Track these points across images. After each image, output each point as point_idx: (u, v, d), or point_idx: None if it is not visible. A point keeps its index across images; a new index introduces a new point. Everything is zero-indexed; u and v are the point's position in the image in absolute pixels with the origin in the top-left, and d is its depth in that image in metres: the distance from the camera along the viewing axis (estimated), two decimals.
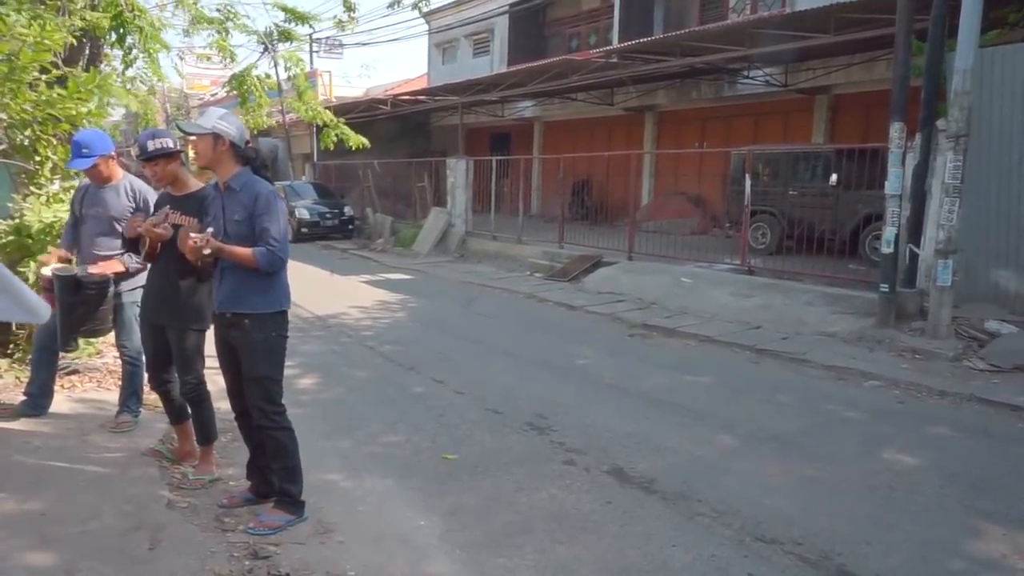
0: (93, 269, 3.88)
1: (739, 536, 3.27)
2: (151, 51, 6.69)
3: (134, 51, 6.63)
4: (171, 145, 3.47)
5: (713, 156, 14.44)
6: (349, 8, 11.12)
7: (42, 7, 5.55)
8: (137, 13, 6.31)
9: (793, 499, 3.68)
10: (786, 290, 8.62)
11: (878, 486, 3.86)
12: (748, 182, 9.75)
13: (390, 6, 14.76)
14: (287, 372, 3.28)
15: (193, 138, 3.11)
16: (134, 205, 4.10)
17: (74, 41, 5.93)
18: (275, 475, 3.28)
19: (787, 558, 3.08)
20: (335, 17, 11.12)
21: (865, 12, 8.94)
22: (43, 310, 1.50)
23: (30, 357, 4.56)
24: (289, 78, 12.15)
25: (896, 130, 7.22)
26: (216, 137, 3.06)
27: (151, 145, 3.45)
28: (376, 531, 3.27)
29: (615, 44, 15.27)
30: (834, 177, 10.25)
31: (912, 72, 7.46)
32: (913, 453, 4.36)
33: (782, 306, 8.22)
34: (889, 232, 7.32)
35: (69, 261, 4.11)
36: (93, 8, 6.18)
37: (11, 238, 4.84)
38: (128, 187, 4.15)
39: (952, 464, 4.18)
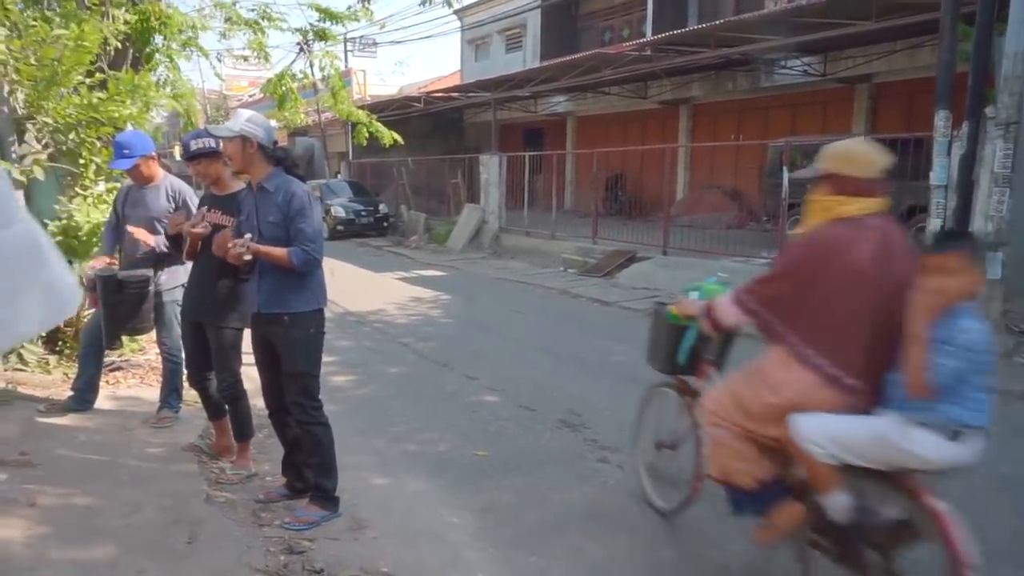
0: (131, 230, 3.96)
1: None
2: (174, 55, 6.82)
3: (155, 56, 6.77)
4: (213, 145, 3.53)
5: (749, 149, 14.18)
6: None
7: (87, 12, 5.71)
8: (164, 20, 6.44)
9: None
10: None
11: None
12: (786, 174, 9.54)
13: (422, 3, 14.82)
14: (323, 369, 3.31)
15: (223, 141, 3.16)
16: (174, 205, 4.18)
17: (118, 44, 6.09)
18: (311, 470, 3.32)
19: None
20: (350, 8, 11.18)
21: None
22: (71, 303, 1.44)
23: (77, 354, 4.69)
24: (324, 77, 12.29)
25: (941, 118, 6.98)
26: (244, 139, 3.08)
27: (193, 145, 3.52)
28: (409, 528, 3.28)
29: (649, 36, 15.10)
30: None
31: (958, 58, 7.20)
32: None
33: None
34: (934, 224, 7.08)
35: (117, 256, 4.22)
36: (133, 9, 6.33)
37: (59, 239, 4.98)
38: (169, 188, 4.24)
39: (1004, 465, 4.02)
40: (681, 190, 16.79)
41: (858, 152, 2.57)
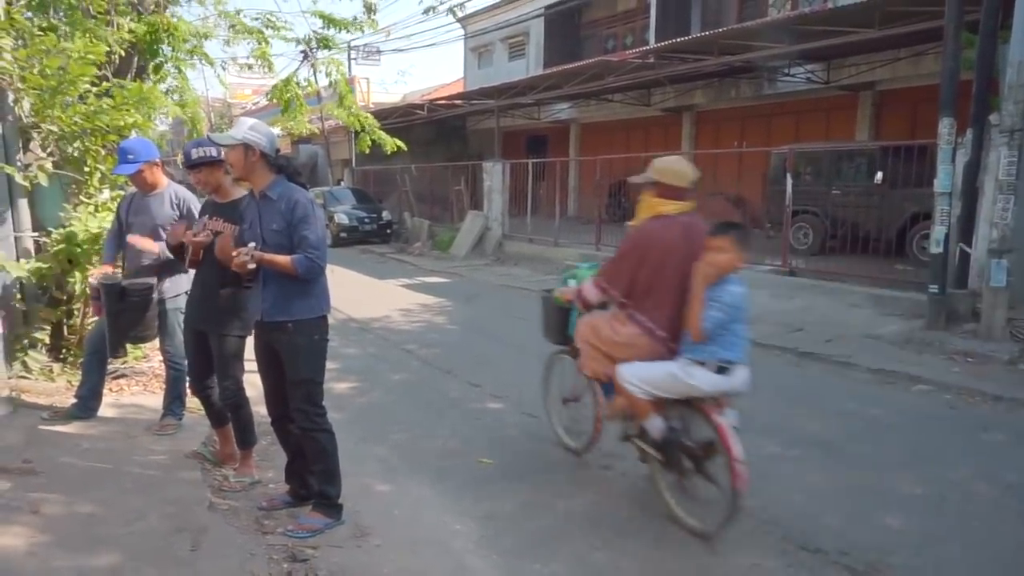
0: (132, 239, 3.98)
1: (782, 545, 3.18)
2: (181, 65, 6.87)
3: (166, 66, 6.82)
4: (214, 154, 3.54)
5: (753, 156, 14.18)
6: (369, 10, 11.27)
7: (92, 20, 5.75)
8: (172, 30, 6.49)
9: (839, 508, 3.56)
10: (829, 291, 8.41)
11: (929, 496, 3.71)
12: (789, 181, 9.54)
13: (426, 11, 14.90)
14: (326, 376, 3.32)
15: (225, 149, 3.16)
16: (178, 213, 4.19)
17: (123, 53, 6.13)
18: (314, 477, 3.31)
19: (833, 568, 2.99)
20: (355, 18, 11.23)
21: (911, 4, 8.68)
22: None
23: (81, 361, 4.70)
24: (330, 84, 12.33)
25: (946, 126, 6.98)
26: (247, 147, 3.08)
27: (195, 153, 3.53)
28: (413, 535, 3.28)
29: (652, 44, 15.13)
30: (879, 175, 9.96)
31: (962, 65, 7.20)
32: (966, 461, 4.19)
33: (825, 308, 8.02)
34: (939, 231, 7.08)
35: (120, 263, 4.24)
36: (139, 20, 6.38)
37: (62, 247, 5.00)
38: (173, 195, 4.25)
39: (1009, 473, 4.00)
40: None
41: (676, 168, 3.38)
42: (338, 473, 3.30)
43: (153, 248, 4.05)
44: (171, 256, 3.97)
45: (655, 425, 3.31)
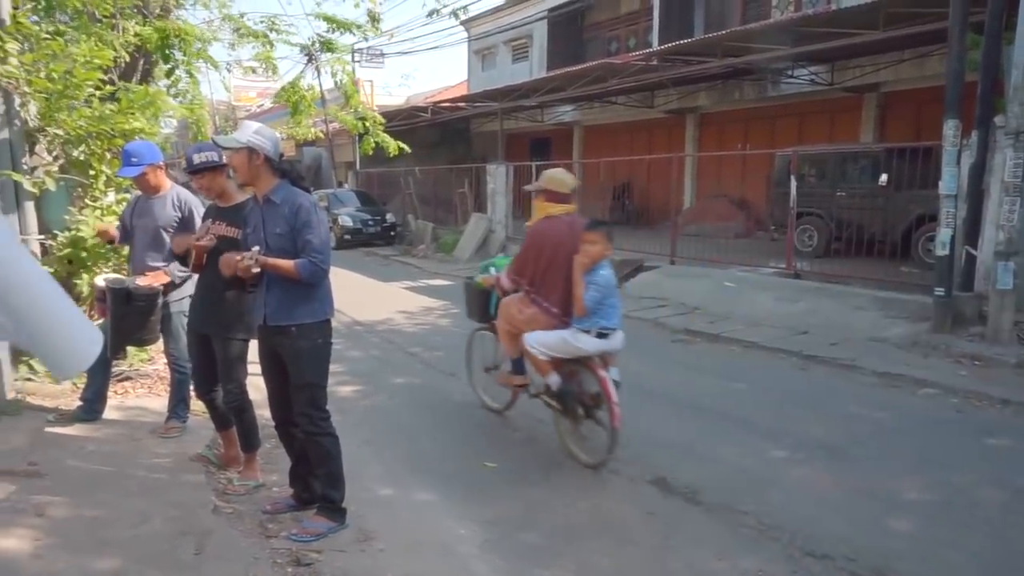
0: (141, 281, 3.98)
1: (788, 551, 3.16)
2: (192, 70, 6.90)
3: (177, 70, 6.85)
4: (216, 159, 3.54)
5: (757, 158, 14.16)
6: (373, 19, 11.33)
7: (98, 24, 5.77)
8: (183, 35, 6.52)
9: (845, 513, 3.55)
10: (834, 294, 8.38)
11: (936, 501, 3.69)
12: (793, 184, 9.52)
13: (429, 15, 14.94)
14: (330, 379, 3.31)
15: (229, 152, 3.16)
16: (180, 215, 4.20)
17: (128, 57, 6.15)
18: (318, 481, 3.31)
19: (839, 575, 2.97)
20: (359, 26, 11.28)
21: (916, 6, 8.65)
22: (70, 368, 1.68)
23: None
24: (336, 85, 12.36)
25: (951, 127, 6.96)
26: (251, 151, 3.07)
27: (196, 158, 3.53)
28: (416, 539, 3.27)
29: (655, 46, 15.13)
30: (884, 177, 9.93)
31: (968, 67, 7.18)
32: (974, 465, 4.16)
33: (830, 311, 7.99)
34: (944, 233, 7.05)
35: (111, 240, 4.30)
36: (145, 24, 6.41)
37: (68, 250, 5.01)
38: (175, 198, 4.26)
39: (1018, 477, 3.98)
40: (688, 199, 16.77)
41: (560, 177, 4.28)
42: (342, 477, 3.29)
43: (167, 280, 4.08)
44: (184, 274, 3.97)
45: (553, 380, 4.18)
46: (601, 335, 3.95)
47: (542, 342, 4.12)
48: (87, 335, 1.71)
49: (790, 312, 8.21)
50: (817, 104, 14.63)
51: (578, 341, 3.97)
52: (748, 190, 14.76)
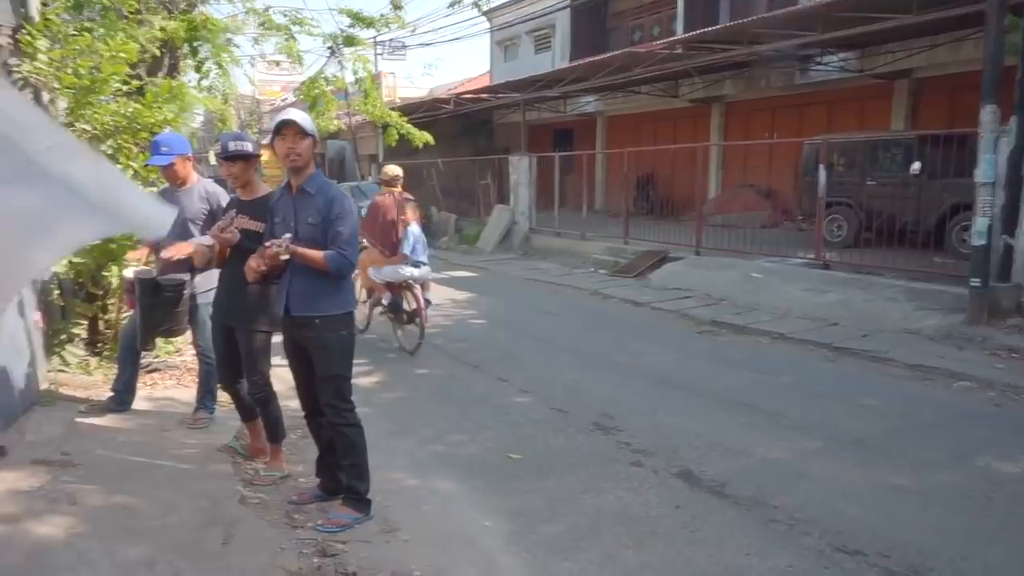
0: (165, 253, 3.99)
1: (819, 546, 3.10)
2: (222, 63, 6.95)
3: (207, 63, 6.90)
4: (250, 149, 3.56)
5: (784, 147, 13.91)
6: (396, 7, 11.31)
7: (124, 20, 5.82)
8: (210, 27, 6.56)
9: (877, 508, 3.47)
10: (865, 285, 8.21)
11: (973, 495, 3.60)
12: (822, 172, 9.33)
13: (451, 5, 14.88)
14: (354, 371, 3.31)
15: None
16: (208, 207, 4.23)
17: (156, 52, 6.21)
18: (344, 472, 3.31)
19: (872, 571, 2.90)
20: (381, 15, 11.27)
21: None
22: (156, 225, 2.01)
23: (116, 355, 4.77)
24: (356, 80, 12.39)
25: (988, 113, 6.75)
26: (313, 138, 3.11)
27: (232, 146, 3.53)
28: (441, 531, 3.26)
29: (679, 35, 14.92)
30: (917, 165, 9.67)
31: (1006, 50, 6.95)
32: (1013, 459, 4.05)
33: (861, 302, 7.83)
34: (981, 223, 6.86)
35: (154, 250, 4.27)
36: (170, 18, 6.46)
37: (97, 243, 5.07)
38: (203, 190, 4.29)
39: None
40: (713, 189, 16.54)
41: (386, 170, 6.88)
42: (367, 468, 3.30)
43: (189, 250, 4.05)
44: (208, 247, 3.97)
45: (387, 297, 6.63)
46: (415, 265, 6.47)
47: (381, 272, 6.54)
48: (157, 204, 2.09)
49: (819, 303, 8.07)
50: (846, 91, 14.31)
51: (403, 270, 6.42)
52: (775, 180, 14.50)
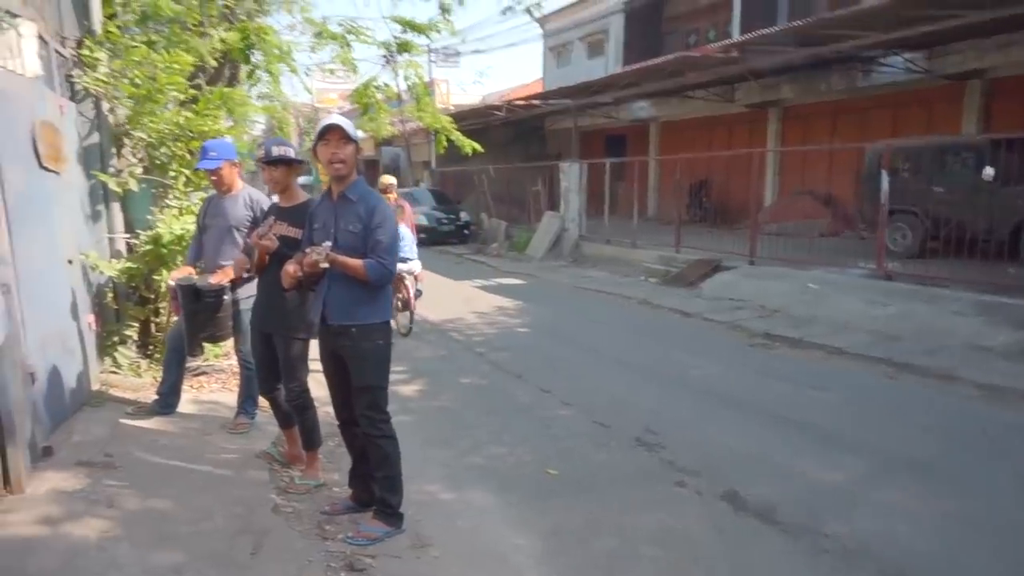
0: (212, 279, 4.07)
1: None
2: (273, 71, 7.08)
3: (257, 71, 7.04)
4: (292, 155, 3.57)
5: (845, 152, 13.39)
6: (445, 10, 11.35)
7: (187, 32, 5.99)
8: (262, 36, 6.69)
9: (939, 538, 3.23)
10: (930, 297, 7.78)
11: None
12: (885, 179, 8.91)
13: (504, 12, 14.91)
14: (394, 378, 3.28)
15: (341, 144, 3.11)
16: (252, 214, 4.28)
17: (216, 63, 6.38)
18: (377, 484, 3.27)
19: None
20: (431, 21, 11.32)
21: None
22: None
23: (163, 358, 4.88)
24: (409, 87, 12.51)
25: None
26: (356, 144, 3.11)
27: (275, 150, 3.55)
28: (473, 548, 3.18)
29: (735, 38, 14.56)
30: (990, 171, 9.13)
31: None
32: None
33: (925, 315, 7.41)
34: None
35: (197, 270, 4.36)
36: (230, 30, 6.61)
37: (149, 247, 5.21)
38: (247, 197, 4.34)
39: None
40: (770, 197, 16.07)
41: (381, 179, 7.88)
42: (400, 481, 3.25)
43: (232, 276, 4.12)
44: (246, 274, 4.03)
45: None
46: (403, 260, 6.50)
47: None
48: None
49: (880, 316, 7.69)
50: (913, 94, 13.68)
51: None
52: (835, 187, 13.99)
